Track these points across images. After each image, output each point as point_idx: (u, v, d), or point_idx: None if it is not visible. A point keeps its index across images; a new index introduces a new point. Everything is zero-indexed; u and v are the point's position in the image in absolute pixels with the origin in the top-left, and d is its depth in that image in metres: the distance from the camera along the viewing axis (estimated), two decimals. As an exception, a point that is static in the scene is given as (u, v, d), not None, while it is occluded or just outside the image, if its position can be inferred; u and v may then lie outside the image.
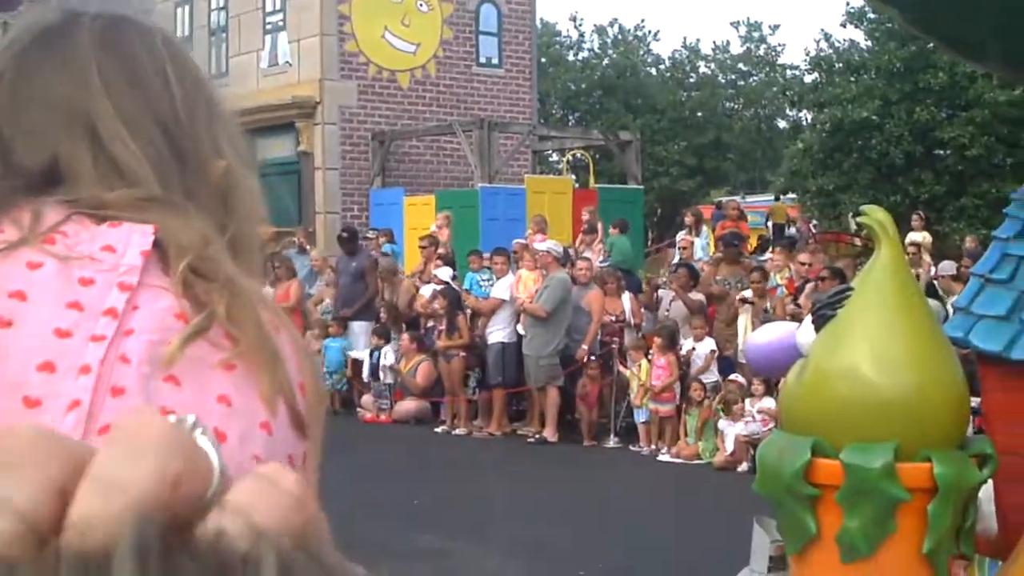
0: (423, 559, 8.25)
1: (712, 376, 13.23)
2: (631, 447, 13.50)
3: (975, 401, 6.36)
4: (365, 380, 15.94)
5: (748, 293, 13.74)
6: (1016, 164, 26.03)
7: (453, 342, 14.69)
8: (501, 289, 14.63)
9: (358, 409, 15.87)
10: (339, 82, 23.44)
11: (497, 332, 14.52)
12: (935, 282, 14.89)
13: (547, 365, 13.93)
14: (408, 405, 15.30)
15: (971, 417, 6.66)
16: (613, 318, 14.42)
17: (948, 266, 15.60)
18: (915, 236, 18.52)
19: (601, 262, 16.62)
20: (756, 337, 7.53)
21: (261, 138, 24.85)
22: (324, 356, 16.18)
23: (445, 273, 15.46)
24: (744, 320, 13.45)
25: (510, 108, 25.05)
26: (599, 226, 18.32)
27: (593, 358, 13.98)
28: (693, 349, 13.44)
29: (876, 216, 6.18)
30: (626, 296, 14.81)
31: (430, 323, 15.56)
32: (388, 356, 15.64)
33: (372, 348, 15.89)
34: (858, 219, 6.51)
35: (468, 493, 10.85)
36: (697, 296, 14.21)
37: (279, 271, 17.41)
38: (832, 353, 5.86)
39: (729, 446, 12.23)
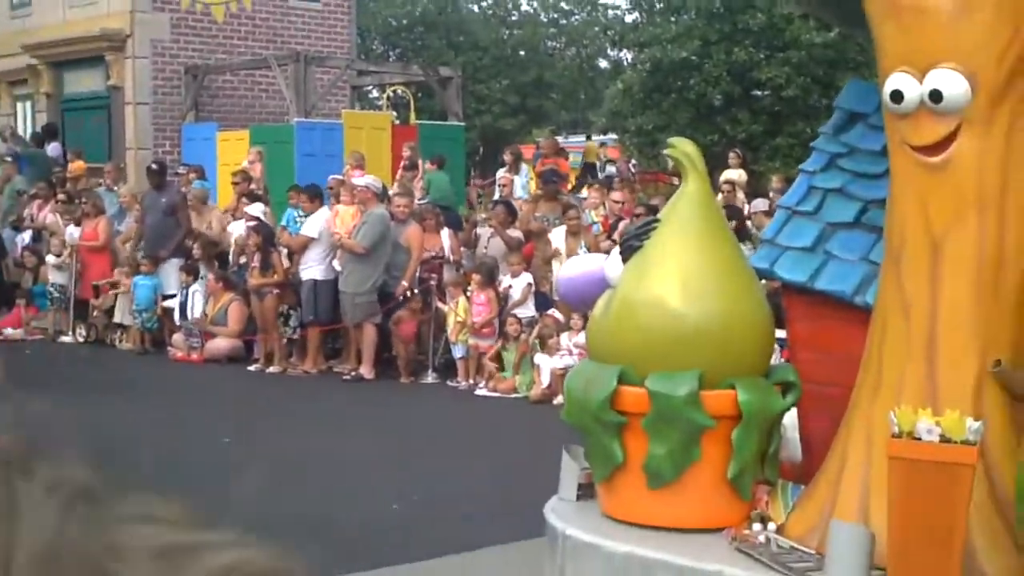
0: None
1: (529, 311, 13.24)
2: (449, 383, 13.45)
3: (782, 333, 6.43)
4: (175, 321, 15.54)
5: (561, 241, 13.73)
6: (831, 105, 26.45)
7: (267, 279, 14.38)
8: (311, 226, 14.36)
9: (169, 348, 15.48)
10: (151, 15, 22.69)
11: (310, 269, 14.27)
12: (748, 220, 15.08)
13: (364, 302, 13.75)
14: (220, 344, 14.95)
15: (778, 348, 6.74)
16: (432, 254, 14.31)
17: (761, 203, 15.84)
18: (731, 174, 18.73)
19: (420, 199, 16.44)
20: (566, 270, 7.51)
21: (68, 71, 24.03)
22: (134, 294, 15.71)
23: (256, 209, 15.10)
24: (557, 262, 13.48)
25: (328, 43, 24.60)
26: (420, 162, 18.12)
27: (412, 293, 13.85)
28: (510, 286, 13.42)
29: (683, 148, 6.16)
30: (445, 232, 14.70)
31: (242, 260, 15.21)
32: (197, 296, 15.25)
33: (182, 286, 15.47)
34: (665, 151, 6.50)
35: (281, 432, 10.65)
36: (515, 233, 14.18)
37: (87, 208, 16.84)
38: (638, 284, 5.85)
39: (545, 380, 12.25)
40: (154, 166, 16.95)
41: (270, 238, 14.57)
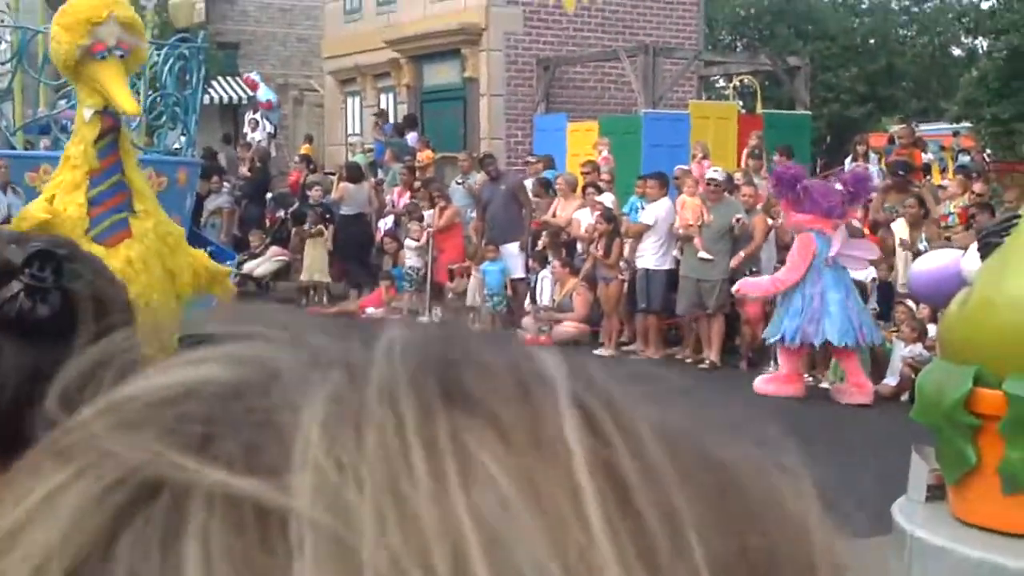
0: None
1: (871, 305, 12.98)
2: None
3: None
4: (524, 305, 16.15)
5: (903, 232, 13.44)
6: None
7: (611, 266, 14.73)
8: (648, 215, 14.53)
9: (518, 331, 16.00)
10: (505, 8, 23.40)
11: (643, 258, 14.47)
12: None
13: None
14: (567, 328, 15.38)
15: None
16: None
17: None
18: (1095, 167, 17.87)
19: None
20: (920, 264, 7.43)
21: (428, 64, 25.07)
22: (484, 280, 16.37)
23: (606, 199, 15.43)
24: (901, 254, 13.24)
25: (676, 34, 24.73)
26: (764, 152, 18.02)
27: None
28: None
29: (1049, 142, 6.02)
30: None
31: (590, 247, 15.59)
32: (546, 282, 15.77)
33: (531, 272, 16.10)
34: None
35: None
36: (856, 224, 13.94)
37: (437, 197, 17.58)
38: (998, 281, 5.73)
39: (896, 365, 12.00)
40: (487, 159, 17.70)
41: (615, 227, 14.88)
